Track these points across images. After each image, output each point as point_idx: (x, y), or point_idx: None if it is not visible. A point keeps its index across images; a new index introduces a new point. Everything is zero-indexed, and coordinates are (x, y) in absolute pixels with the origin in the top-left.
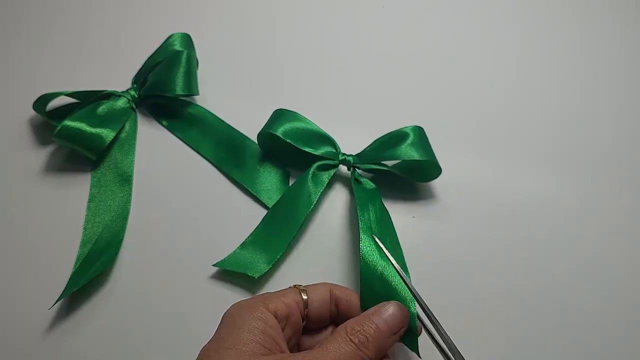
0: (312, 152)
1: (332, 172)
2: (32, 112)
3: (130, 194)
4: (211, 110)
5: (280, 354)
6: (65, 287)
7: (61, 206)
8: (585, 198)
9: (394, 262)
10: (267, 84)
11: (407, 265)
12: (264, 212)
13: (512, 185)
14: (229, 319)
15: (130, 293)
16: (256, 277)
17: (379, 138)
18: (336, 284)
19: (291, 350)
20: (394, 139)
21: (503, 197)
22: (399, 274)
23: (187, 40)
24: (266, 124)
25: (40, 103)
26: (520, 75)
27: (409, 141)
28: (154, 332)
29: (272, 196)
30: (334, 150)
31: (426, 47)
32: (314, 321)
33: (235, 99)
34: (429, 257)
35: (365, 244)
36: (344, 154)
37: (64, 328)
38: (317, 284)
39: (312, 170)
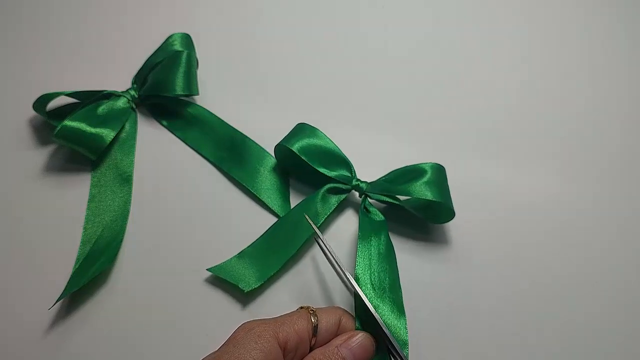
0: (326, 173)
1: (342, 196)
2: (32, 112)
3: (130, 194)
4: (211, 110)
5: None
6: (65, 287)
7: (61, 206)
8: (594, 199)
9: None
10: (267, 84)
11: (408, 267)
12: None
13: (518, 186)
14: (234, 342)
15: (130, 293)
16: (245, 292)
17: (396, 170)
18: (347, 312)
19: None
20: (411, 173)
21: (508, 198)
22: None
23: (187, 40)
24: (285, 137)
25: (40, 103)
26: (525, 75)
27: (425, 179)
28: (153, 332)
29: (272, 195)
30: (349, 175)
31: (426, 47)
32: (313, 349)
33: (235, 99)
34: (429, 255)
35: (360, 280)
36: (358, 180)
37: (64, 328)
38: (329, 308)
39: (322, 191)
